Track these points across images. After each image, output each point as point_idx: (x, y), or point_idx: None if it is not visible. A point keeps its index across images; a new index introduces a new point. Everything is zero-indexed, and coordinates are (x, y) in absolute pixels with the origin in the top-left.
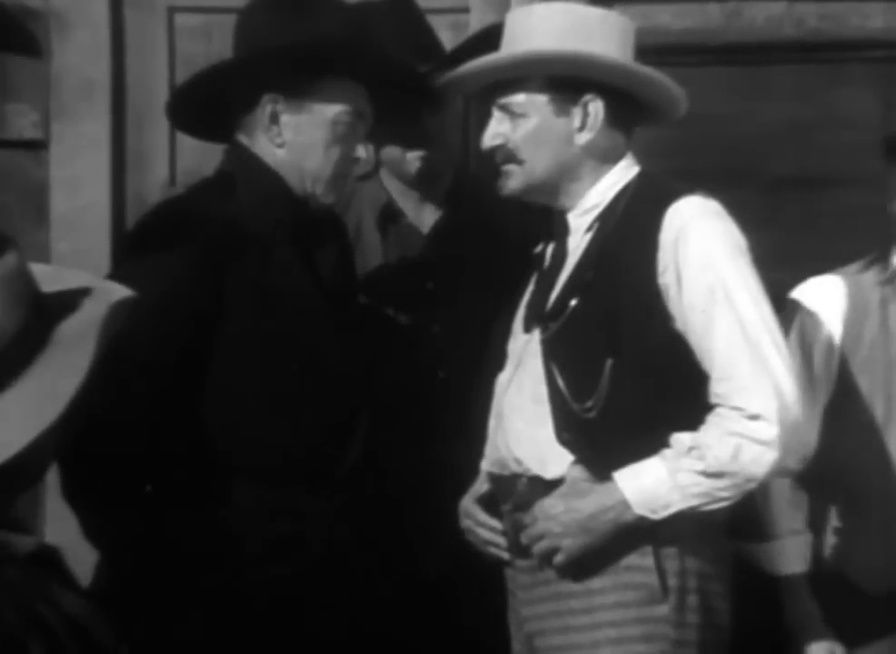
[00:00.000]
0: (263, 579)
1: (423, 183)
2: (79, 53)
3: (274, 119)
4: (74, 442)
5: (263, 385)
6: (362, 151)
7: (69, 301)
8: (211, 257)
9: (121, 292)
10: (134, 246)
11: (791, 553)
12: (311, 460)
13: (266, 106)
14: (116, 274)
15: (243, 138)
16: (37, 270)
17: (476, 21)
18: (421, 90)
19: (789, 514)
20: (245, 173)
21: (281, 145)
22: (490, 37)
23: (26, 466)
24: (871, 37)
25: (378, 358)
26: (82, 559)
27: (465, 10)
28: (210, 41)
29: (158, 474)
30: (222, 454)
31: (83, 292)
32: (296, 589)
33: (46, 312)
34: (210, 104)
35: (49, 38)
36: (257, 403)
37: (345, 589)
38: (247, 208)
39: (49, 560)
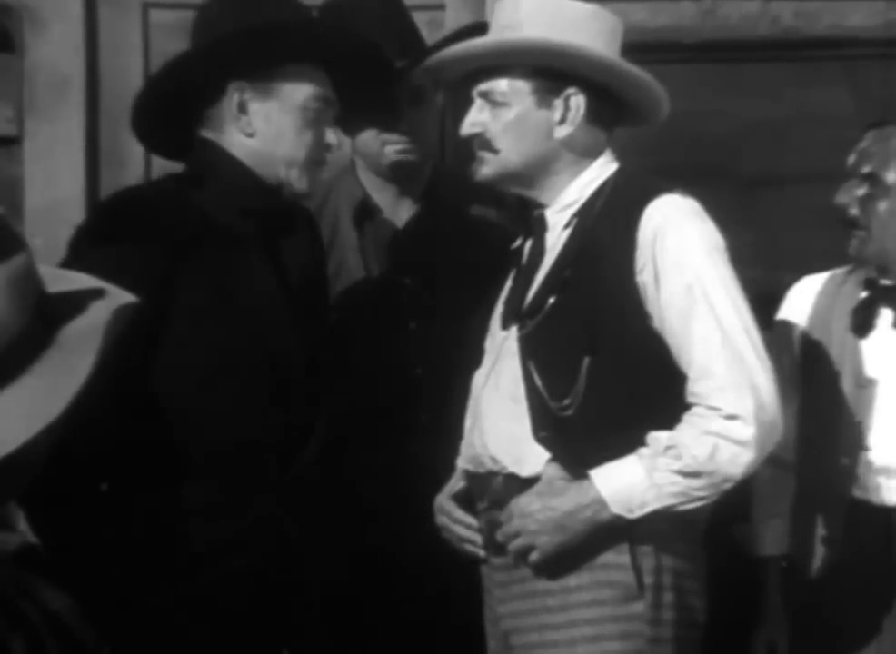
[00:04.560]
0: (209, 580)
1: (400, 178)
2: (53, 48)
3: (242, 108)
4: None
5: (214, 380)
6: (332, 136)
7: (75, 303)
8: (166, 247)
9: (125, 296)
10: (89, 233)
11: (767, 537)
12: (262, 458)
13: (233, 95)
14: (68, 260)
15: (209, 133)
16: (44, 271)
17: (452, 18)
18: (383, 69)
19: (769, 499)
20: (211, 164)
21: (251, 134)
22: (469, 35)
23: (21, 465)
24: (845, 35)
25: (349, 354)
26: None
27: (441, 7)
28: (184, 37)
29: (108, 472)
30: (171, 452)
31: (88, 295)
32: (243, 590)
33: (51, 314)
34: (171, 112)
35: (23, 34)
36: (208, 399)
37: (296, 588)
38: (210, 198)
39: (32, 558)
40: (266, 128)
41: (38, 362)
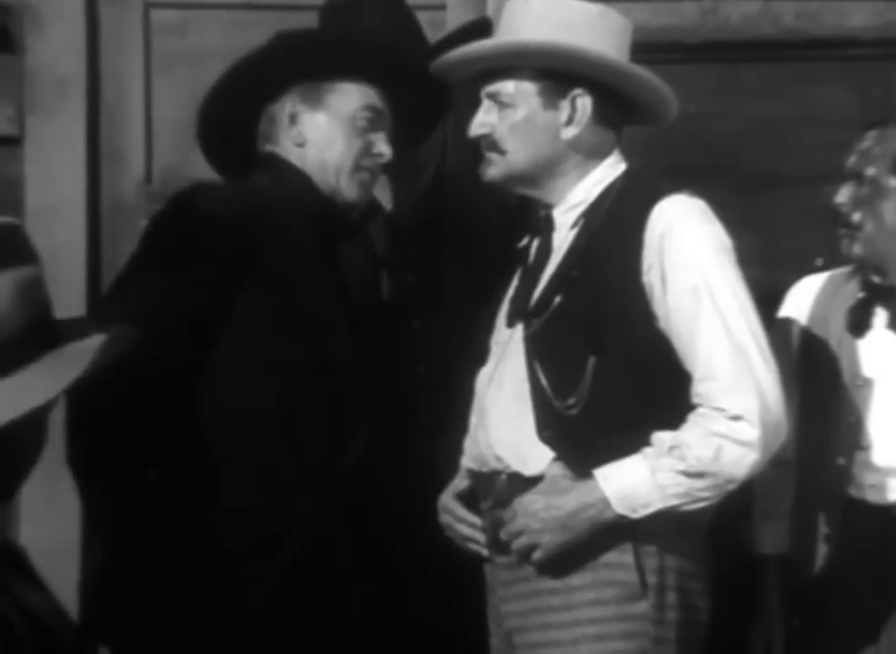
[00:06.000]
0: (247, 578)
1: (405, 176)
2: (54, 48)
3: (293, 119)
4: (83, 416)
5: (266, 380)
6: (384, 146)
7: (80, 330)
8: (233, 248)
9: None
10: (162, 225)
11: (767, 536)
12: (309, 458)
13: (285, 106)
14: (143, 248)
15: (269, 147)
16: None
17: (453, 18)
18: (434, 87)
19: (769, 498)
20: (274, 174)
21: (302, 144)
22: (471, 32)
23: (8, 443)
24: (847, 35)
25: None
26: (56, 561)
27: (442, 7)
28: (186, 37)
29: (157, 462)
30: (218, 450)
31: (92, 327)
32: (279, 588)
33: (59, 335)
34: (231, 126)
35: (24, 34)
36: (259, 398)
37: (328, 586)
38: (276, 205)
39: (11, 557)
40: (316, 137)
41: (37, 363)
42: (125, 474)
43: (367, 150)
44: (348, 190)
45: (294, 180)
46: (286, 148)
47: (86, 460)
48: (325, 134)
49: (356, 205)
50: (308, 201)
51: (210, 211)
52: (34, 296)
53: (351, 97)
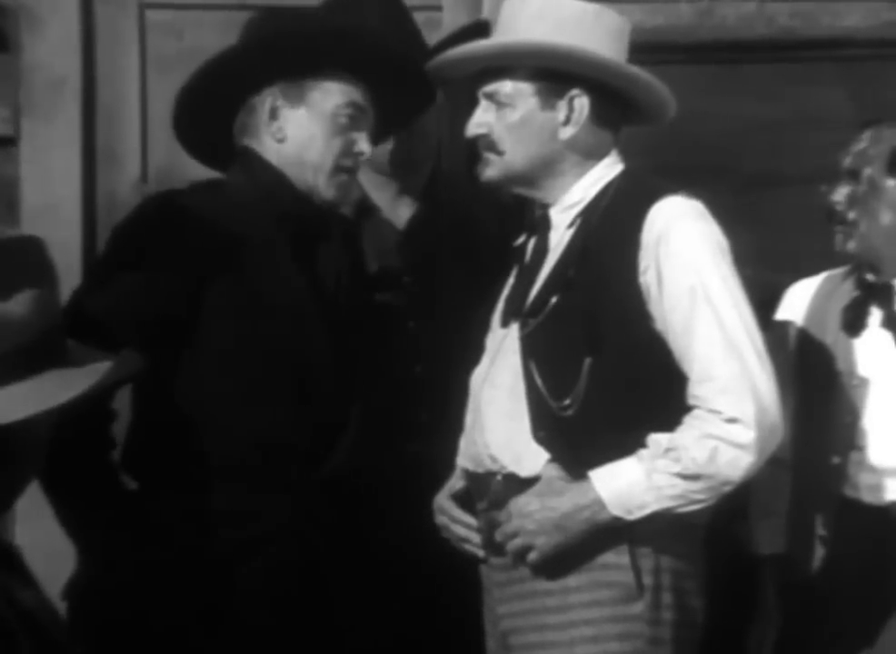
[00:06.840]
0: (229, 583)
1: (401, 176)
2: (49, 48)
3: (274, 114)
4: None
5: (241, 382)
6: (365, 145)
7: (94, 356)
8: (201, 251)
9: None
10: (126, 234)
11: (762, 535)
12: (290, 460)
13: (266, 101)
14: (106, 255)
15: (247, 141)
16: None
17: (449, 18)
18: (420, 83)
19: (765, 497)
20: (251, 171)
21: (282, 140)
22: (470, 34)
23: (19, 441)
24: (842, 36)
25: (363, 354)
26: (54, 559)
27: (438, 8)
28: (181, 37)
29: (139, 468)
30: (200, 454)
31: (103, 356)
32: (261, 592)
33: (75, 359)
34: (210, 116)
35: (19, 33)
36: (238, 403)
37: (319, 589)
38: (247, 204)
39: (7, 557)
40: (296, 134)
41: (53, 372)
42: (100, 482)
43: (348, 149)
44: (326, 190)
45: (267, 177)
46: (265, 143)
47: (58, 473)
48: (305, 131)
49: (334, 205)
50: (280, 199)
51: (174, 216)
52: (49, 310)
53: (333, 94)
